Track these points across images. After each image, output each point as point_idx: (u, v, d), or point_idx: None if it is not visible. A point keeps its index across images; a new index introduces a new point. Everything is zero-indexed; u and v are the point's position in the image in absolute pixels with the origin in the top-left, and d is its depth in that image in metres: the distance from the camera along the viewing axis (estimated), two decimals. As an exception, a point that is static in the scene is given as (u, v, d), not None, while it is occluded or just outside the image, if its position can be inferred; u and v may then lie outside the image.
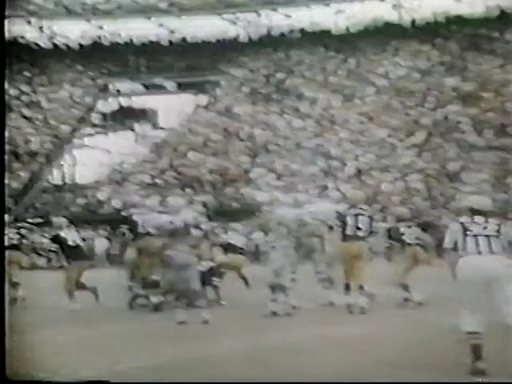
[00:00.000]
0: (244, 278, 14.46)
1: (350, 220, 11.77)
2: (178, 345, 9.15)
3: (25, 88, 39.95)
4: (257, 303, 11.87)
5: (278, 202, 13.89)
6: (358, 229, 11.72)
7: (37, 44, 42.02)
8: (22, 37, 41.58)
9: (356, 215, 11.81)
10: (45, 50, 41.88)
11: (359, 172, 29.91)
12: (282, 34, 40.67)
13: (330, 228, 12.40)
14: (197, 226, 11.48)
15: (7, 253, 14.55)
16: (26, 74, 40.73)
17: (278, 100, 36.77)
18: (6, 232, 14.71)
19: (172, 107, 40.13)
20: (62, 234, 13.71)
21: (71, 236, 13.68)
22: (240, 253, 14.32)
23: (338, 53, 38.96)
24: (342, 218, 11.87)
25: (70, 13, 41.39)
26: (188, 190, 29.30)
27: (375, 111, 33.86)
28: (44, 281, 17.32)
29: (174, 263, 10.78)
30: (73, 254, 13.52)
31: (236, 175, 31.11)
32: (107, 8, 41.55)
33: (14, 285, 14.22)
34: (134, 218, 13.40)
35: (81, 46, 41.88)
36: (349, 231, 11.75)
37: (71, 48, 41.88)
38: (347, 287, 11.71)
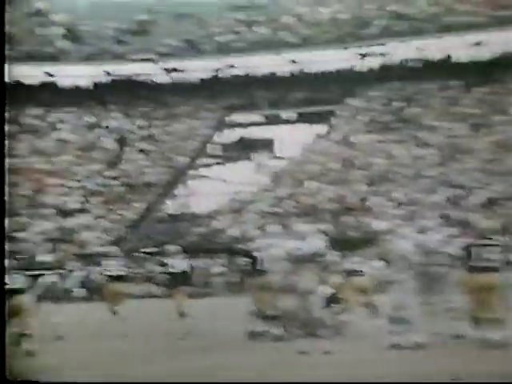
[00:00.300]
0: (371, 305, 14.01)
1: (477, 250, 11.23)
2: (298, 375, 8.87)
3: (140, 122, 40.92)
4: (378, 334, 11.44)
5: (398, 231, 13.43)
6: (488, 260, 11.14)
7: (153, 80, 43.07)
8: (137, 74, 42.71)
9: (484, 245, 11.24)
10: (161, 85, 42.83)
11: (489, 201, 28.79)
12: (400, 63, 40.20)
13: (456, 258, 11.85)
14: (321, 253, 11.24)
15: (115, 284, 14.76)
16: (142, 109, 41.76)
17: (396, 128, 36.23)
18: (114, 263, 14.99)
19: (290, 137, 40.23)
20: (170, 261, 13.90)
21: (179, 264, 13.82)
22: (364, 277, 13.93)
23: (460, 81, 38.03)
24: (467, 248, 11.33)
25: (188, 48, 42.21)
26: (306, 219, 29.09)
27: (507, 140, 32.64)
28: (156, 307, 17.45)
29: (297, 289, 10.58)
30: (180, 280, 13.68)
31: (354, 204, 30.72)
32: (226, 41, 42.17)
33: (115, 313, 14.39)
34: (255, 252, 13.20)
35: (201, 80, 42.67)
36: (476, 262, 11.19)
37: (191, 82, 42.69)
38: (477, 320, 11.08)
